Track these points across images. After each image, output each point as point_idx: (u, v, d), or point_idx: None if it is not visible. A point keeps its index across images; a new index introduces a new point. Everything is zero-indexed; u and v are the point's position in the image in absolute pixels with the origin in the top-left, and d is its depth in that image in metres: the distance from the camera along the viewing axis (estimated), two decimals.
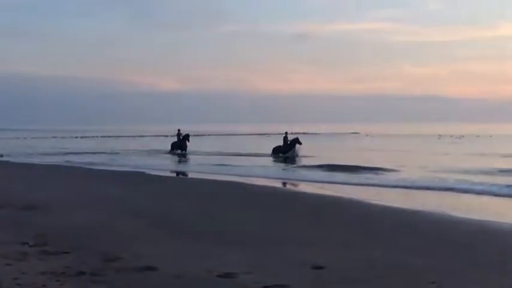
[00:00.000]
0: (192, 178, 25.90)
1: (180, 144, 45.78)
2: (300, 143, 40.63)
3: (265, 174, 26.68)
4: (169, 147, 46.63)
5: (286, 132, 43.16)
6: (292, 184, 23.07)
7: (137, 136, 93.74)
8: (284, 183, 23.49)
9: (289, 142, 41.09)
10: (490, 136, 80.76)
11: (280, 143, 42.19)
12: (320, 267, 7.77)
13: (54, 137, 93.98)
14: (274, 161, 37.36)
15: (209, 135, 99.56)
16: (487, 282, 7.33)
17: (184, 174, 29.57)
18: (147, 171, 27.49)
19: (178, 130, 47.69)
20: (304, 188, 21.00)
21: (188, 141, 45.83)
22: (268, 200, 16.70)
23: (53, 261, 7.99)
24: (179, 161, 38.70)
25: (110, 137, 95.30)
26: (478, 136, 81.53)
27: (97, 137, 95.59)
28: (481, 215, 13.85)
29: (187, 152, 45.07)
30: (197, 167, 31.23)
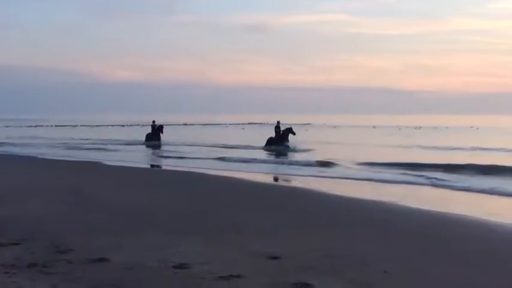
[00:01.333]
0: (155, 169, 25.56)
1: (154, 136, 45.44)
2: (293, 133, 37.87)
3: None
4: (144, 138, 46.16)
5: (278, 122, 39.62)
6: (245, 174, 22.97)
7: (94, 126, 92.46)
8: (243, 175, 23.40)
9: (281, 133, 38.19)
10: (447, 128, 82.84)
11: (269, 134, 39.39)
12: (276, 257, 7.77)
13: (7, 126, 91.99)
14: (267, 153, 34.46)
15: (170, 125, 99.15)
16: (437, 270, 7.45)
17: (156, 166, 28.68)
18: (104, 162, 27.11)
19: (153, 121, 47.39)
20: (258, 178, 20.95)
21: (162, 132, 45.58)
22: (225, 191, 16.65)
23: (2, 252, 7.78)
24: (154, 152, 37.16)
25: (65, 126, 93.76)
26: (435, 128, 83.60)
27: (51, 126, 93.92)
28: (430, 205, 14.09)
29: (161, 143, 44.25)
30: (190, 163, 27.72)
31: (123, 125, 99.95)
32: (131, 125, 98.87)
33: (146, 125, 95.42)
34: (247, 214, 11.96)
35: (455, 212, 12.92)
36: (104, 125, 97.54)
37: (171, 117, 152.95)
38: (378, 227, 10.89)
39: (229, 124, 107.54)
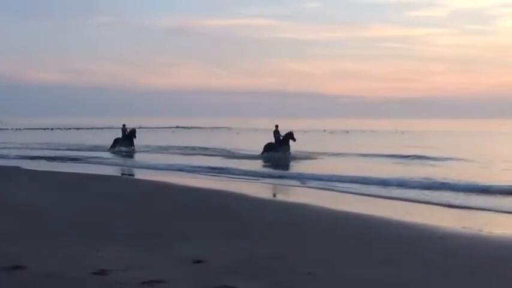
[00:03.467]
0: (78, 173, 24.67)
1: (124, 141, 40.89)
2: (293, 139, 33.45)
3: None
4: (112, 143, 41.11)
5: (276, 126, 34.44)
6: (170, 178, 22.70)
7: (16, 129, 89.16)
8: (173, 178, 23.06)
9: (281, 138, 33.88)
10: (373, 131, 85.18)
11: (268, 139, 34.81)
12: (200, 261, 7.69)
13: None
14: (264, 162, 30.79)
15: (91, 128, 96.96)
16: (361, 271, 7.57)
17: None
18: (24, 166, 26.14)
19: (123, 125, 42.39)
20: (183, 181, 20.76)
21: (135, 137, 41.27)
22: (149, 195, 16.37)
23: None
24: (126, 158, 34.51)
25: None
26: (363, 131, 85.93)
27: None
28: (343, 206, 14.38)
29: (134, 149, 40.18)
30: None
31: (51, 128, 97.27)
32: (53, 128, 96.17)
33: (69, 128, 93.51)
34: (171, 218, 11.82)
35: (376, 214, 13.24)
36: (28, 128, 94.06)
37: (95, 121, 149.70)
38: (303, 229, 11.00)
39: (158, 128, 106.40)
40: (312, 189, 18.67)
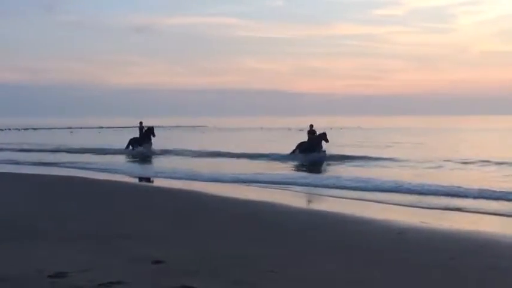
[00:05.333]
0: (36, 174, 24.12)
1: (141, 140, 37.07)
2: (326, 140, 31.16)
3: None
4: (127, 143, 37.62)
5: (311, 126, 32.09)
6: (127, 177, 22.47)
7: None
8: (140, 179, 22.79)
9: (315, 137, 31.59)
10: (341, 129, 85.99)
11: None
12: (159, 262, 7.59)
13: None
14: (295, 163, 28.57)
15: (54, 128, 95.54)
16: (323, 268, 7.58)
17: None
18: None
19: (141, 123, 38.36)
20: (141, 181, 20.56)
21: (154, 135, 37.21)
22: (107, 195, 16.13)
23: None
24: (142, 162, 31.68)
25: None
26: (330, 128, 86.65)
27: None
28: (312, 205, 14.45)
29: (151, 149, 36.46)
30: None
31: (9, 129, 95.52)
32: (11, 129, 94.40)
33: (27, 129, 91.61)
34: (130, 219, 11.66)
35: (334, 210, 13.33)
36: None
37: (55, 121, 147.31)
38: (264, 227, 10.98)
39: (123, 127, 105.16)
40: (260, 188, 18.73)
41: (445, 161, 27.14)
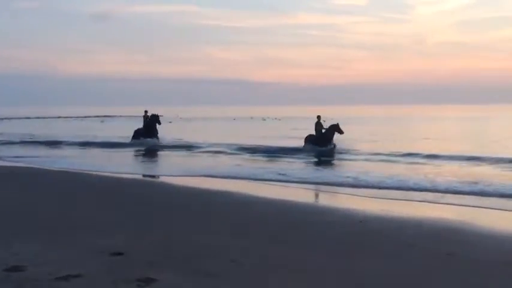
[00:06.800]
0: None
1: (147, 130, 34.16)
2: (340, 132, 29.07)
3: None
4: (133, 135, 34.70)
5: (318, 117, 29.88)
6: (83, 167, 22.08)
7: None
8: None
9: (324, 131, 29.43)
10: (307, 118, 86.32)
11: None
12: (119, 253, 7.49)
13: None
14: (306, 156, 26.57)
15: (14, 118, 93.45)
16: (285, 257, 7.61)
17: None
18: None
19: (145, 112, 34.85)
20: (100, 172, 20.25)
21: (159, 123, 34.20)
22: (64, 185, 15.82)
23: None
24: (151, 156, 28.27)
25: None
26: (295, 118, 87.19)
27: None
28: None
29: (158, 139, 33.70)
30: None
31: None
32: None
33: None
34: (88, 210, 11.47)
35: (293, 199, 13.41)
36: None
37: (13, 111, 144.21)
38: (224, 216, 10.95)
39: (85, 117, 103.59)
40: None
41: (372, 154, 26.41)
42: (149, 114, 34.46)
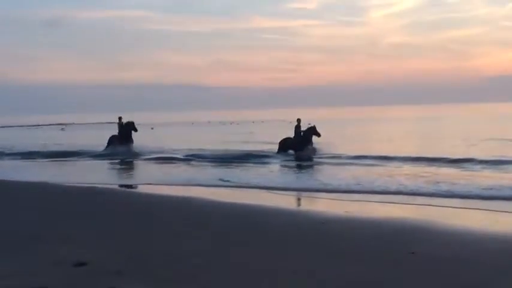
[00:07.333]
0: None
1: (122, 138, 32.41)
2: (318, 135, 28.57)
3: None
4: (107, 142, 33.03)
5: (298, 120, 29.26)
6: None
7: None
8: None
9: (302, 133, 28.83)
10: (262, 122, 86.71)
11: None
12: (82, 264, 7.35)
13: None
14: (282, 161, 26.14)
15: None
16: (244, 258, 7.62)
17: None
18: None
19: (120, 118, 33.26)
20: (61, 180, 19.86)
21: (135, 130, 32.46)
22: (24, 195, 15.47)
23: None
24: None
25: None
26: (253, 122, 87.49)
27: None
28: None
29: (132, 147, 31.98)
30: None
31: None
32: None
33: None
34: (48, 219, 11.25)
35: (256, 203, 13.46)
36: None
37: None
38: (190, 222, 10.88)
39: (42, 125, 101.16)
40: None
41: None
42: (124, 121, 32.90)
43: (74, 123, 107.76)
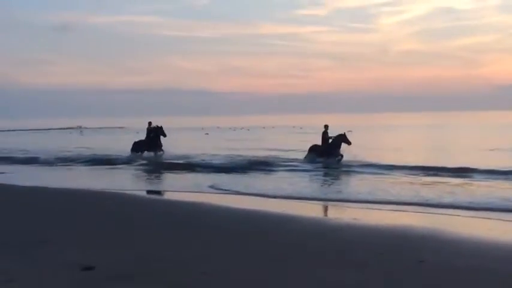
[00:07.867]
0: None
1: (150, 143, 31.62)
2: (348, 143, 27.46)
3: None
4: (131, 147, 32.07)
5: (326, 126, 28.07)
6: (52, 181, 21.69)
7: None
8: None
9: (331, 140, 27.77)
10: (273, 127, 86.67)
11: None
12: (90, 268, 7.36)
13: None
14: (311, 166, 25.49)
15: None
16: (251, 268, 7.57)
17: None
18: None
19: (149, 123, 32.42)
20: (67, 184, 19.91)
21: (164, 135, 31.53)
22: (31, 200, 15.47)
23: None
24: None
25: None
26: (264, 128, 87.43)
27: None
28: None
29: (163, 152, 31.26)
30: None
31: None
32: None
33: None
34: (56, 224, 11.26)
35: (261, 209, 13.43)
36: None
37: None
38: (196, 229, 10.85)
39: (54, 129, 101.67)
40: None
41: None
42: (153, 125, 31.96)
43: (86, 128, 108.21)
